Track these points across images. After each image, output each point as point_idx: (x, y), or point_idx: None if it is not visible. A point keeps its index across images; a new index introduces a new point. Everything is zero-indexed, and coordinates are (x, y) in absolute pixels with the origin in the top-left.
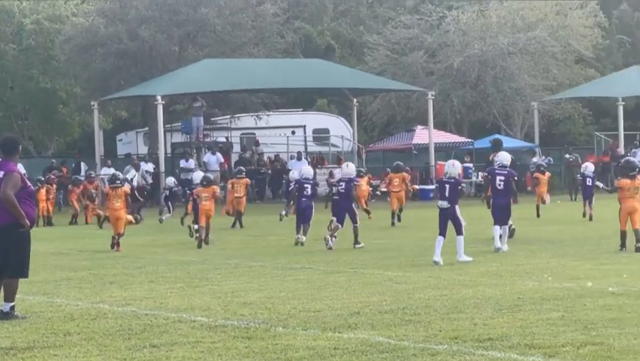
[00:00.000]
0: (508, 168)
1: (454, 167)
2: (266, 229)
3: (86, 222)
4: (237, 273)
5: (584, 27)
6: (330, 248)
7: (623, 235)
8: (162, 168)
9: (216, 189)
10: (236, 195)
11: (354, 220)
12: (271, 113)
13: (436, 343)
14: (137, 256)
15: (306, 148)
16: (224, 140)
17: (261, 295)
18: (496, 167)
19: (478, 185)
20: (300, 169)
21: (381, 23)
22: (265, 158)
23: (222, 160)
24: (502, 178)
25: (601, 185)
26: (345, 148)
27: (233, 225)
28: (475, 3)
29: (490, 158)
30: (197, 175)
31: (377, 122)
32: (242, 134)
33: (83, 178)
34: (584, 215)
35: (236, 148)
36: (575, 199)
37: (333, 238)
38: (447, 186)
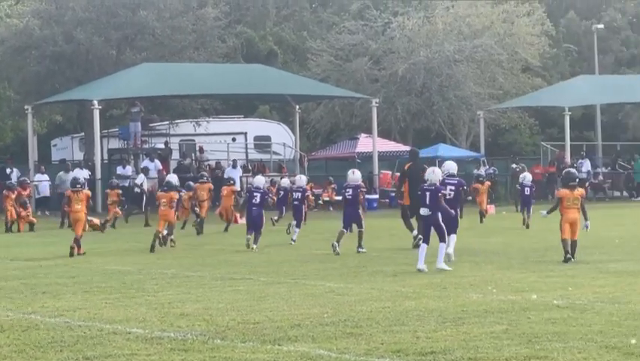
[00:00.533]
0: (457, 177)
1: (434, 173)
2: (205, 238)
3: (19, 230)
4: (175, 283)
5: (531, 35)
6: (338, 253)
7: (565, 243)
8: (98, 174)
9: (174, 195)
10: (199, 200)
11: (359, 225)
12: (211, 119)
13: (378, 356)
14: (70, 265)
15: (247, 155)
16: (162, 146)
17: (199, 306)
18: (444, 176)
19: None
20: (256, 178)
21: (325, 29)
22: (205, 165)
23: (161, 167)
24: (452, 188)
25: (544, 213)
26: (287, 156)
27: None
28: (421, 9)
29: (406, 167)
30: (172, 177)
31: (320, 130)
32: (181, 140)
33: (16, 183)
34: (524, 223)
35: (176, 155)
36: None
37: (339, 243)
38: (427, 193)
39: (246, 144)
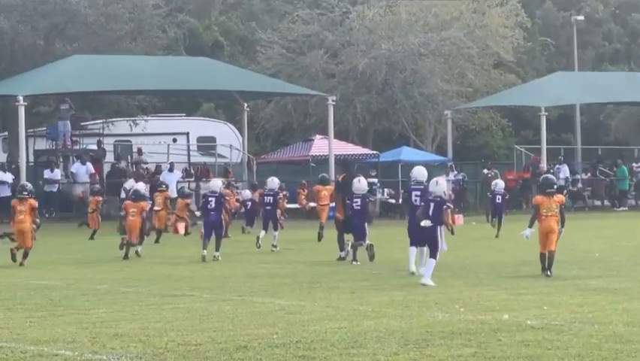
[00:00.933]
0: (424, 184)
1: (438, 185)
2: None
3: None
4: (108, 300)
5: (504, 27)
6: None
7: (543, 258)
8: (23, 178)
9: (145, 205)
10: (155, 208)
11: (356, 238)
12: (149, 117)
13: None
14: None
15: (189, 158)
16: (95, 147)
17: (135, 325)
18: (412, 183)
19: (384, 203)
20: (212, 182)
21: (277, 18)
22: (143, 169)
23: (93, 171)
24: (418, 194)
25: (527, 234)
26: (233, 159)
27: (157, 240)
28: None
29: (340, 178)
30: (140, 186)
31: (270, 130)
32: (116, 141)
33: None
34: (497, 236)
35: (110, 157)
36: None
37: (356, 254)
38: (432, 204)
39: (188, 146)
